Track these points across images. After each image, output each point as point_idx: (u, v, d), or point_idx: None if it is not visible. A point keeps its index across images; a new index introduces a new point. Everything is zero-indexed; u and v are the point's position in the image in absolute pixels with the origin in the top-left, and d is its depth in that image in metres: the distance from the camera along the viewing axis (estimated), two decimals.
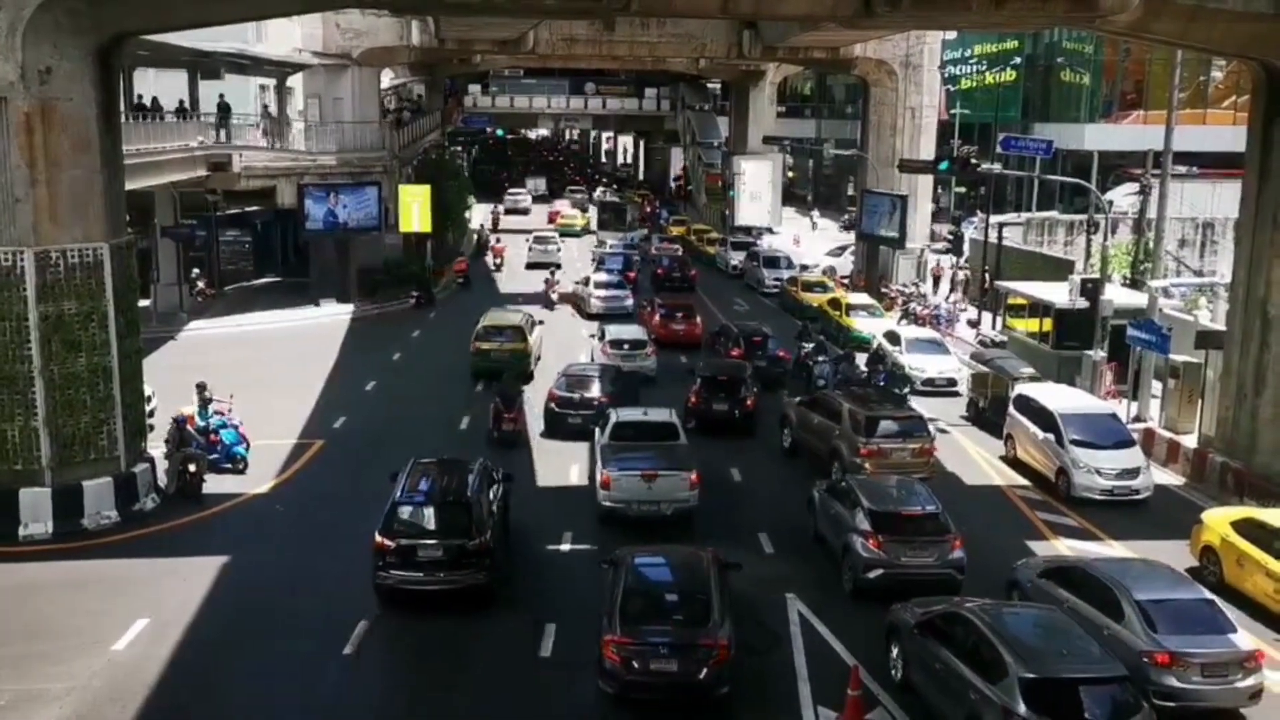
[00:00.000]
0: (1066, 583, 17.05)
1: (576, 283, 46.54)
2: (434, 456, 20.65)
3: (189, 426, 23.59)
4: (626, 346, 33.03)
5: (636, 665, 14.83)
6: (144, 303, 34.74)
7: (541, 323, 36.96)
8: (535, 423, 28.06)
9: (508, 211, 77.06)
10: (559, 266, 52.07)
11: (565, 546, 20.95)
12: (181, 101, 39.32)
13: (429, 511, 18.33)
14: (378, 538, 17.77)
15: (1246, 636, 16.01)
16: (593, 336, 36.18)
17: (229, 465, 24.15)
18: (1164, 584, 16.47)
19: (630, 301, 43.13)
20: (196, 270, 44.37)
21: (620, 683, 14.93)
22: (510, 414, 26.95)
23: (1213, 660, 15.14)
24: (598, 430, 24.53)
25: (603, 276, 45.90)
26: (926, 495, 19.87)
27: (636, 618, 15.19)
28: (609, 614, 15.34)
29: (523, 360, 32.46)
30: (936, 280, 47.84)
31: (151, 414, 24.91)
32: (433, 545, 17.79)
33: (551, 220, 73.32)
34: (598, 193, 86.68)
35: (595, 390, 27.84)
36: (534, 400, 29.08)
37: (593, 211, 75.37)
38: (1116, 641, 15.22)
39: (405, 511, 18.21)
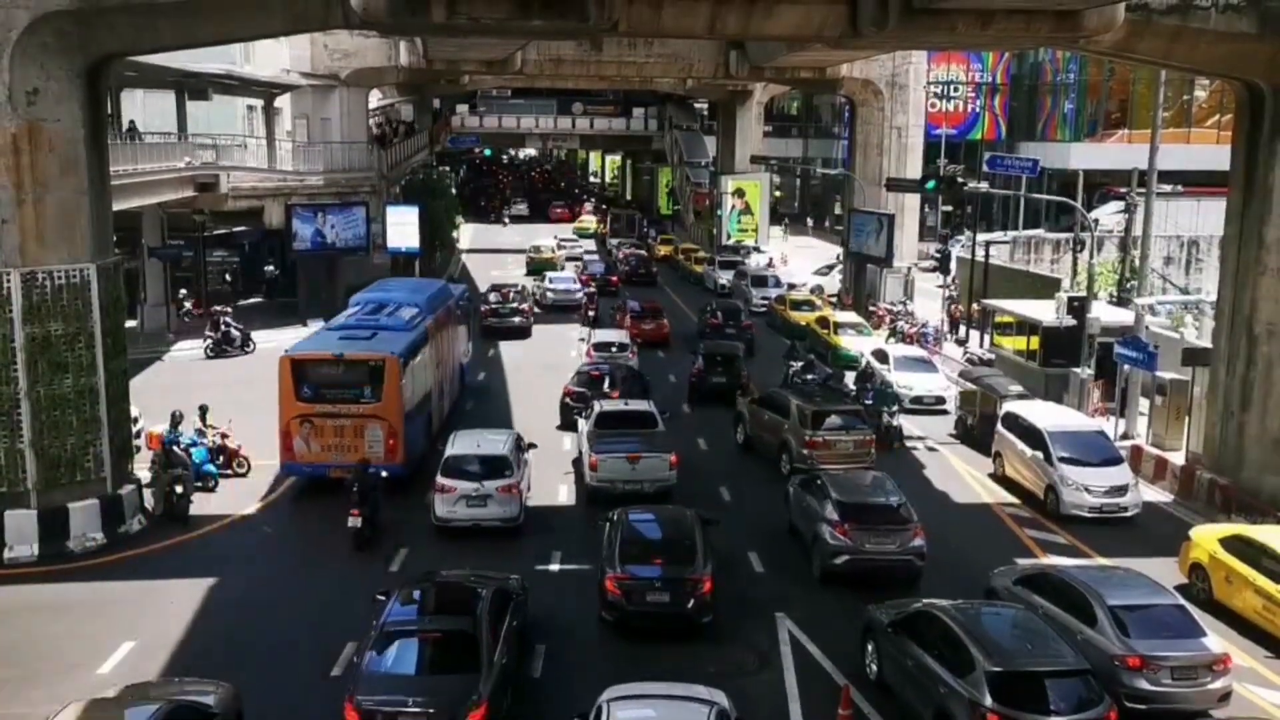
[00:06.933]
0: (1041, 589, 17.49)
1: (537, 282, 52.13)
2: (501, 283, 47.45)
3: (175, 448, 23.52)
4: (613, 349, 35.65)
5: (634, 598, 17.60)
6: (131, 323, 34.71)
7: (563, 247, 66.58)
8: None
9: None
10: (526, 210, 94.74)
11: (554, 567, 20.92)
12: (131, 123, 39.08)
13: (502, 294, 44.53)
14: (482, 307, 43.46)
15: (1216, 640, 16.26)
16: (581, 340, 39.35)
17: (199, 484, 24.06)
18: (1135, 590, 16.86)
19: (580, 295, 49.49)
20: (184, 291, 44.26)
21: (621, 612, 17.70)
22: (593, 305, 46.51)
23: (1183, 663, 15.56)
24: (581, 420, 26.80)
25: (560, 273, 55.01)
26: (891, 488, 21.28)
27: (634, 559, 17.94)
28: (609, 558, 18.07)
29: (550, 264, 59.88)
30: (955, 323, 44.05)
31: (137, 435, 24.84)
32: (506, 306, 43.93)
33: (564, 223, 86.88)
34: (588, 208, 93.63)
35: (605, 387, 29.93)
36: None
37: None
38: (1089, 646, 15.60)
39: (492, 295, 44.39)
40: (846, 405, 27.82)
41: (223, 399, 28.06)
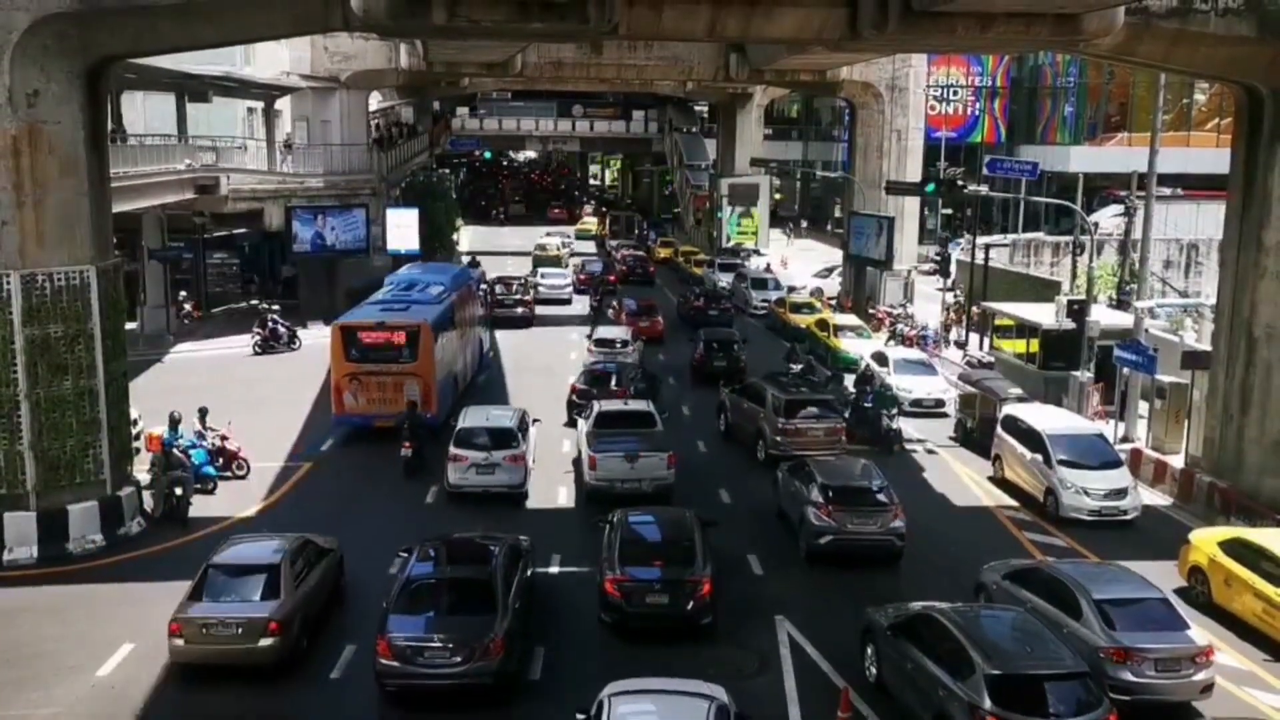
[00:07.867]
0: (1029, 584, 17.73)
1: (527, 275, 53.66)
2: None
3: (174, 450, 23.54)
4: (616, 345, 36.58)
5: (634, 599, 17.70)
6: (130, 325, 34.70)
7: (568, 245, 67.77)
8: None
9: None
10: (524, 210, 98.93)
11: (554, 569, 20.89)
12: (116, 126, 38.93)
13: (507, 286, 47.64)
14: (491, 298, 43.87)
15: (1199, 633, 16.39)
16: (588, 337, 39.31)
17: (198, 485, 24.08)
18: (1121, 585, 17.09)
19: (569, 290, 54.04)
20: (183, 293, 44.26)
21: (621, 614, 17.79)
22: (594, 299, 50.22)
23: (1166, 655, 15.77)
24: (581, 420, 27.25)
25: (551, 269, 57.49)
26: (874, 473, 22.24)
27: (633, 560, 18.07)
28: (609, 559, 18.20)
29: (559, 261, 61.75)
30: (948, 329, 43.94)
31: (137, 437, 24.84)
32: (511, 297, 46.71)
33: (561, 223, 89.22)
34: (588, 211, 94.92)
35: (612, 386, 30.47)
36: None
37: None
38: (1075, 639, 15.78)
39: (498, 287, 46.94)
40: (819, 395, 29.12)
41: (216, 402, 27.94)
